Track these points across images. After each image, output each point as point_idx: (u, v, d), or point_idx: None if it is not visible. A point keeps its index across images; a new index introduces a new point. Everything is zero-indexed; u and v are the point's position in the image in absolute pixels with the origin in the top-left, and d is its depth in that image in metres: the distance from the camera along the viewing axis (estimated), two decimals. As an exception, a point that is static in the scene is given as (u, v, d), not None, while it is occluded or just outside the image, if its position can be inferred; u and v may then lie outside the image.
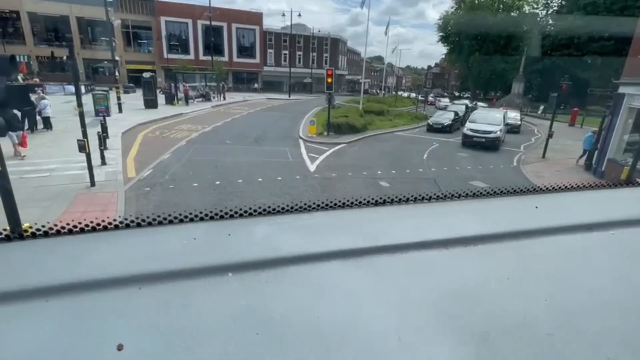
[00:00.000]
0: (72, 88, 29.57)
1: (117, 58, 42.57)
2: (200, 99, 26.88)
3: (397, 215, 0.82)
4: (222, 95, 29.30)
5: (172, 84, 23.73)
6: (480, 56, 49.75)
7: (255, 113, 23.12)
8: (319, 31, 51.19)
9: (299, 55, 51.02)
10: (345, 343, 0.48)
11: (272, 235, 0.71)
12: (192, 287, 0.55)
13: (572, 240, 0.74)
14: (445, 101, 38.24)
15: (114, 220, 0.68)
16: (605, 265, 0.69)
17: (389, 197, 0.85)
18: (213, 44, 45.70)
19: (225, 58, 47.04)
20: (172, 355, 0.45)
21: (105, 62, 41.86)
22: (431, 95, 52.64)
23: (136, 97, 22.31)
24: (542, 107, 32.55)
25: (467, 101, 39.18)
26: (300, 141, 14.41)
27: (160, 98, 23.39)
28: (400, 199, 0.85)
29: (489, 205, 0.90)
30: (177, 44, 45.47)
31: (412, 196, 0.86)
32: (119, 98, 17.85)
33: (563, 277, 0.64)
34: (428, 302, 0.56)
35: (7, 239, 0.64)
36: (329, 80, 15.24)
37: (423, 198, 0.86)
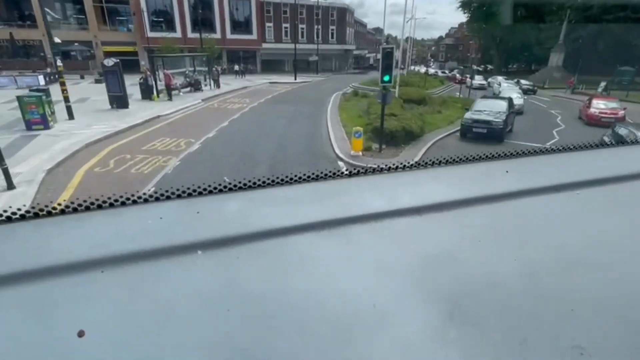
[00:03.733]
0: (29, 80, 23.92)
1: (90, 39, 36.58)
2: (188, 89, 21.23)
3: (370, 186, 0.82)
4: (216, 82, 23.50)
5: (149, 72, 18.01)
6: (509, 23, 43.36)
7: (260, 108, 17.59)
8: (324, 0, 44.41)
9: (302, 28, 44.54)
10: (319, 314, 0.48)
11: (244, 210, 0.69)
12: (158, 268, 0.53)
13: (541, 201, 0.76)
14: (478, 79, 32.24)
15: (72, 203, 0.64)
16: (571, 224, 0.71)
17: (362, 168, 0.85)
18: (202, 18, 39.23)
19: (218, 35, 40.64)
20: (137, 338, 0.44)
21: (76, 43, 35.81)
22: (454, 70, 46.58)
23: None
24: (603, 84, 26.84)
25: (497, 78, 33.61)
26: (342, 166, 9.13)
27: (136, 90, 17.83)
28: (374, 169, 0.85)
29: (461, 171, 0.91)
30: (160, 19, 38.96)
31: (386, 166, 0.86)
32: (66, 98, 12.29)
33: (531, 238, 0.66)
34: (402, 268, 0.57)
35: None
36: (388, 65, 9.70)
37: (397, 167, 0.87)
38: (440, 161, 0.91)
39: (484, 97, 15.56)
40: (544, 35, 41.76)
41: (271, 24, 44.10)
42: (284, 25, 44.85)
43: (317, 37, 45.39)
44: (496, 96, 16.27)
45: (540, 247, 0.64)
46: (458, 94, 26.10)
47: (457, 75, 35.61)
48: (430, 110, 17.03)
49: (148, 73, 17.86)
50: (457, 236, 0.65)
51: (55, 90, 12.96)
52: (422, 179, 0.87)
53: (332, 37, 48.53)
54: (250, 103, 18.71)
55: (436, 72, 51.75)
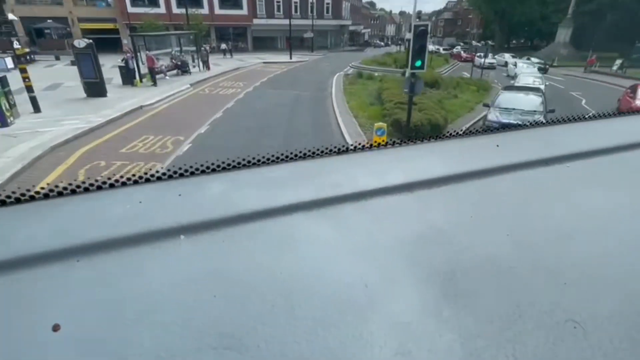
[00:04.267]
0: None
1: (65, 15, 33.55)
2: (175, 72, 19.18)
3: (360, 163, 0.80)
4: (205, 64, 21.37)
5: (130, 54, 15.94)
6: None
7: (256, 94, 15.75)
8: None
9: (295, 3, 41.66)
10: (310, 296, 0.47)
11: (229, 192, 0.67)
12: (139, 255, 0.51)
13: (531, 175, 0.76)
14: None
15: (42, 188, 0.61)
16: (561, 196, 0.71)
17: (352, 145, 0.84)
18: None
19: (205, 10, 37.75)
20: (117, 330, 0.42)
21: (50, 20, 32.82)
22: (457, 47, 44.43)
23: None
24: (618, 62, 25.31)
25: (504, 55, 31.64)
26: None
27: (118, 73, 15.83)
28: (363, 146, 0.85)
29: (451, 147, 0.90)
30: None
31: (375, 142, 0.86)
32: (28, 87, 10.36)
33: (523, 212, 0.66)
34: (393, 246, 0.56)
35: None
36: (421, 46, 8.06)
37: (387, 144, 0.86)
38: (430, 136, 0.91)
39: (508, 87, 12.27)
40: (551, 9, 39.68)
41: (262, -2, 41.14)
42: (276, -1, 41.91)
43: (312, 11, 42.59)
44: (523, 87, 12.44)
45: (533, 221, 0.64)
46: (465, 73, 24.37)
47: (463, 52, 33.63)
48: (445, 95, 15.40)
49: (129, 55, 15.76)
50: (448, 212, 0.64)
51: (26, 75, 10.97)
52: (412, 155, 0.86)
53: (327, 12, 45.71)
54: (245, 87, 16.83)
55: (437, 49, 49.54)
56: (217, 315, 0.44)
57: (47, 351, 0.40)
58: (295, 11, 41.59)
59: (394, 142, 0.87)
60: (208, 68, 21.58)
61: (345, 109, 12.84)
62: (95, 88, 12.93)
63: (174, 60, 19.30)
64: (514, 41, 51.48)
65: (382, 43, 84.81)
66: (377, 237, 0.58)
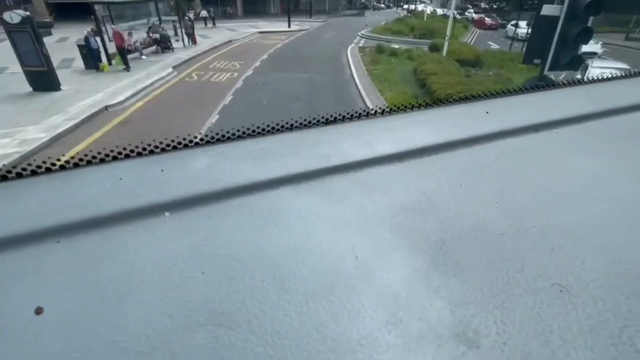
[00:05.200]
0: None
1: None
2: (154, 49, 15.51)
3: (348, 133, 0.79)
4: (190, 37, 17.53)
5: (92, 30, 12.23)
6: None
7: (258, 80, 12.40)
8: None
9: (289, -41, 36.52)
10: (300, 270, 0.47)
11: (214, 166, 0.66)
12: (122, 233, 0.50)
13: (520, 142, 0.76)
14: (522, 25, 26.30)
15: (14, 167, 0.60)
16: (550, 162, 0.71)
17: (339, 114, 0.82)
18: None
19: (187, -31, 32.66)
20: (101, 311, 0.41)
21: (2, -16, 27.77)
22: (470, 11, 40.05)
23: (53, 48, 11.08)
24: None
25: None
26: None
27: (77, 55, 12.22)
28: (352, 115, 0.82)
29: (441, 115, 0.89)
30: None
31: (364, 111, 0.84)
32: None
33: (512, 178, 0.66)
34: (383, 217, 0.56)
35: None
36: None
37: (376, 112, 0.85)
38: (420, 104, 0.89)
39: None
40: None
41: (252, -46, 35.90)
42: (267, -46, 36.64)
43: (309, -30, 37.53)
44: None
45: (521, 188, 0.64)
46: (492, 44, 20.88)
47: (486, 18, 29.33)
48: (493, 77, 12.23)
49: (90, 31, 12.08)
50: (438, 181, 0.64)
51: None
52: (401, 124, 0.84)
53: (326, -30, 40.55)
54: (243, 70, 13.39)
55: (444, 12, 44.98)
56: (205, 293, 0.43)
57: (30, 335, 0.39)
58: (290, -31, 36.56)
59: (383, 110, 0.85)
60: (194, 42, 17.77)
61: (382, 103, 9.69)
62: (41, 79, 9.52)
63: (152, 35, 15.52)
64: (527, 5, 47.03)
65: (383, 5, 78.81)
66: (367, 209, 0.57)
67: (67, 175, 0.62)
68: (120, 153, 0.66)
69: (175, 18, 18.04)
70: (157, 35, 15.64)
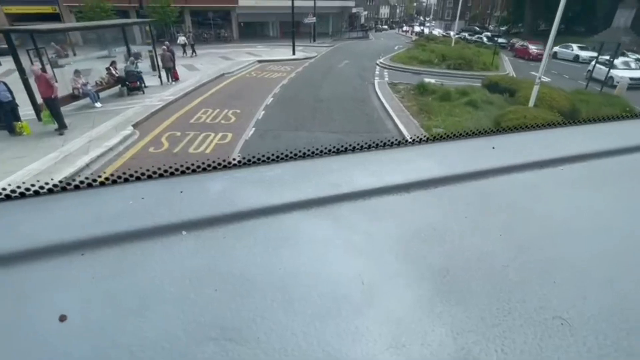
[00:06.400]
0: None
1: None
2: (120, 89, 11.26)
3: (358, 163, 0.81)
4: (169, 72, 13.26)
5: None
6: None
7: (261, 142, 8.20)
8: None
9: (290, -21, 33.21)
10: (308, 292, 0.49)
11: (229, 190, 0.69)
12: (142, 249, 0.53)
13: (526, 177, 0.78)
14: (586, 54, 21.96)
15: (46, 184, 0.63)
16: (554, 198, 0.73)
17: (350, 145, 0.85)
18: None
19: (176, -12, 29.04)
20: (121, 321, 0.44)
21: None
22: (488, 33, 36.80)
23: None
24: None
25: (571, 46, 24.17)
26: None
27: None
28: (362, 146, 0.85)
29: (448, 148, 0.91)
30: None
31: (373, 142, 0.86)
32: None
33: (516, 213, 0.67)
34: (390, 245, 0.57)
35: None
36: None
37: (385, 144, 0.87)
38: (427, 138, 0.91)
39: None
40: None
41: (249, -27, 32.47)
42: (266, -26, 33.26)
43: (311, -10, 34.24)
44: None
45: (525, 222, 0.65)
46: (535, 74, 17.03)
47: (533, 47, 24.41)
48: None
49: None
50: (444, 213, 0.65)
51: None
52: (409, 156, 0.86)
53: (330, -9, 37.39)
54: (240, 126, 9.09)
55: (461, 35, 41.89)
56: (218, 309, 0.45)
57: (53, 341, 0.41)
58: (290, -10, 33.20)
59: (392, 142, 0.87)
60: (175, 78, 13.55)
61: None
62: None
63: (114, 71, 11.27)
64: (541, 26, 44.18)
65: (386, 27, 76.62)
66: (374, 236, 0.58)
67: (94, 192, 0.65)
68: (143, 174, 0.69)
69: (151, 48, 13.76)
70: (125, 73, 11.37)
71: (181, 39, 21.02)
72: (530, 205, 0.69)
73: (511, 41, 24.41)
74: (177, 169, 0.71)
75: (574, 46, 23.47)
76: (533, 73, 19.79)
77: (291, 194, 0.66)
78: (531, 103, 9.21)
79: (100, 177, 0.67)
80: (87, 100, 9.95)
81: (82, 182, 0.65)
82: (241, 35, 33.71)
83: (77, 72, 9.69)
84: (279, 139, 8.44)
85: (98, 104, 10.05)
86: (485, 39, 33.57)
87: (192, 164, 0.72)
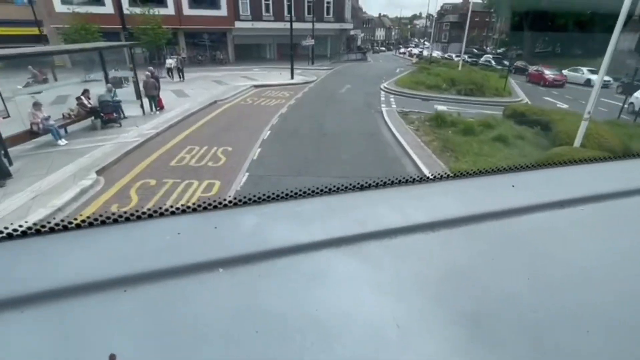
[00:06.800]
0: None
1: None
2: (93, 122, 9.72)
3: (382, 199, 0.82)
4: (153, 100, 11.75)
5: None
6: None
7: (257, 191, 6.46)
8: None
9: (288, 2, 32.55)
10: (345, 334, 0.49)
11: (260, 226, 0.71)
12: (182, 286, 0.53)
13: (547, 217, 0.77)
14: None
15: (88, 217, 0.65)
16: (578, 240, 0.72)
17: (373, 181, 0.86)
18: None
19: (170, 10, 28.13)
20: (167, 359, 0.44)
21: None
22: (489, 56, 36.13)
23: None
24: None
25: (581, 69, 23.08)
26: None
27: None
28: (385, 182, 0.87)
29: (468, 185, 0.92)
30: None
31: (395, 179, 0.88)
32: None
33: (542, 255, 0.67)
34: (420, 286, 0.58)
35: None
36: None
37: (407, 181, 0.89)
38: (448, 175, 0.93)
39: None
40: (609, 6, 32.09)
41: (246, -5, 31.78)
42: (264, -4, 32.61)
43: (312, 12, 33.58)
44: None
45: (552, 265, 0.64)
46: (550, 100, 15.73)
47: (549, 72, 22.69)
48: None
49: None
50: (470, 253, 0.66)
51: None
52: (431, 192, 0.88)
53: (329, 13, 36.81)
54: (232, 168, 7.51)
55: (462, 57, 41.35)
56: (260, 349, 0.46)
57: None
58: (287, 12, 32.44)
59: (413, 179, 0.89)
60: (159, 107, 12.06)
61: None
62: None
63: (86, 101, 9.74)
64: (538, 49, 43.89)
65: (384, 48, 76.96)
66: (403, 276, 0.59)
67: (132, 227, 0.66)
68: (177, 209, 0.70)
69: (132, 73, 12.28)
70: (100, 103, 9.84)
71: (169, 62, 19.51)
72: (554, 246, 0.69)
73: (515, 64, 23.08)
74: (210, 204, 0.72)
75: (584, 70, 22.48)
76: (547, 99, 18.68)
77: (320, 230, 0.67)
78: (577, 142, 7.75)
79: (137, 211, 0.67)
80: (49, 138, 8.37)
81: (120, 216, 0.66)
82: (237, 57, 32.73)
83: (36, 105, 8.13)
84: (278, 186, 6.84)
85: (62, 142, 8.47)
86: (493, 62, 32.48)
87: (225, 199, 0.74)
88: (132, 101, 11.50)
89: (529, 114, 10.78)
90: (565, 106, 16.64)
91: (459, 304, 0.54)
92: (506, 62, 24.14)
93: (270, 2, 32.99)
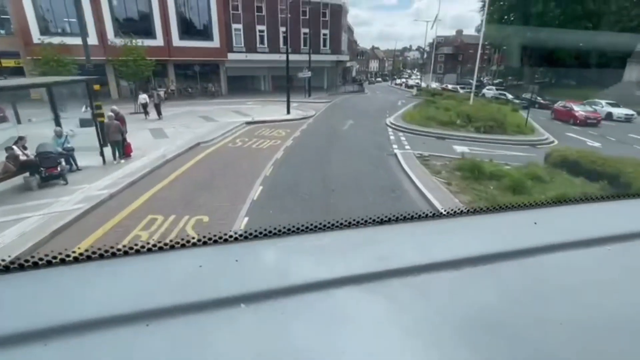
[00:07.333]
0: None
1: None
2: (28, 180, 7.34)
3: (403, 234, 0.81)
4: (116, 147, 9.44)
5: None
6: (555, 22, 32.82)
7: None
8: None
9: (283, 32, 31.43)
10: None
11: (281, 260, 0.71)
12: (205, 321, 0.52)
13: (572, 257, 0.75)
14: None
15: (111, 247, 0.65)
16: (608, 283, 0.69)
17: (393, 215, 0.84)
18: (129, 17, 25.36)
19: (158, 41, 26.63)
20: None
21: None
22: (490, 87, 35.02)
23: None
24: None
25: (600, 102, 21.47)
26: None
27: None
28: (405, 217, 0.85)
29: (488, 222, 0.91)
30: (64, 18, 24.41)
31: (415, 213, 0.86)
32: None
33: (572, 297, 0.65)
34: (447, 329, 0.56)
35: None
36: None
37: (427, 215, 0.87)
38: (467, 210, 0.90)
39: None
40: (609, 39, 31.42)
41: (240, 26, 30.59)
42: (258, 27, 31.47)
43: (305, 44, 32.41)
44: None
45: (584, 310, 0.61)
46: (574, 137, 13.80)
47: (579, 110, 19.46)
48: None
49: None
50: (497, 294, 0.64)
51: None
52: (452, 227, 0.85)
53: (325, 45, 35.79)
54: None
55: (455, 87, 40.41)
56: None
57: None
58: (283, 43, 31.23)
59: (433, 214, 0.87)
60: (126, 154, 9.76)
61: None
62: None
63: (19, 153, 7.41)
64: (537, 80, 43.28)
65: (380, 79, 77.11)
66: (429, 317, 0.57)
67: (154, 258, 0.65)
68: (199, 240, 0.70)
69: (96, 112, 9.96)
70: (38, 153, 7.52)
71: (142, 98, 16.76)
72: (585, 288, 0.66)
73: (531, 97, 20.78)
74: (230, 236, 0.72)
75: (603, 102, 20.87)
76: (571, 135, 16.79)
77: (341, 266, 0.65)
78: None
79: (160, 242, 0.67)
80: (-50, 207, 5.98)
81: (142, 246, 0.65)
82: (230, 89, 31.12)
83: None
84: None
85: (-30, 213, 6.05)
86: (509, 95, 30.48)
87: (245, 231, 0.73)
88: (95, 147, 9.20)
89: (585, 163, 8.65)
90: (596, 144, 14.72)
91: (488, 348, 0.51)
92: (527, 96, 21.91)
93: (265, 33, 31.87)
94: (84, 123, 11.39)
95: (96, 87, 10.74)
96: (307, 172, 9.49)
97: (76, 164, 8.52)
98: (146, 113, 16.65)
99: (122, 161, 9.40)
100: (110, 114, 9.17)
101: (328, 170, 9.65)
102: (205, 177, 8.77)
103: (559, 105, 21.54)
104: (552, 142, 14.82)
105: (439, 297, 0.61)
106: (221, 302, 0.55)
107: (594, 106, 21.00)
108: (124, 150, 9.65)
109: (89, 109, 10.46)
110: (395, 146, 12.47)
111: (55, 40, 19.17)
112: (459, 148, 12.67)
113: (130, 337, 0.48)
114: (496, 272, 0.68)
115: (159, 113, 16.68)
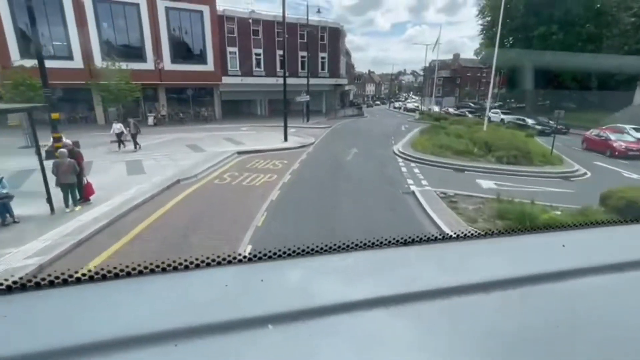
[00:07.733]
0: None
1: None
2: None
3: (428, 256, 0.80)
4: (70, 190, 7.54)
5: None
6: (557, 46, 32.09)
7: None
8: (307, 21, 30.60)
9: (280, 55, 30.30)
10: None
11: (307, 280, 0.70)
12: (233, 342, 0.52)
13: (604, 282, 0.72)
14: None
15: (138, 265, 0.65)
16: None
17: (417, 236, 0.83)
18: (120, 39, 24.07)
19: (149, 64, 25.22)
20: None
21: None
22: (495, 109, 33.81)
23: None
24: None
25: (626, 128, 20.10)
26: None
27: None
28: (429, 238, 0.84)
29: (516, 244, 0.89)
30: (47, 42, 23.03)
31: (440, 235, 0.85)
32: None
33: (608, 323, 0.62)
34: (476, 351, 0.54)
35: (9, 290, 0.58)
36: None
37: (451, 237, 0.85)
38: (493, 232, 0.89)
39: None
40: (615, 63, 30.58)
41: (235, 49, 29.45)
42: (254, 50, 30.35)
43: (302, 67, 31.28)
44: None
45: (619, 336, 0.59)
46: (603, 165, 12.11)
47: (617, 139, 16.71)
48: None
49: None
50: (528, 318, 0.62)
51: None
52: (478, 250, 0.84)
53: (323, 69, 34.74)
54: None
55: (463, 112, 39.30)
56: None
57: None
58: (280, 67, 30.00)
59: (457, 235, 0.85)
60: (85, 197, 7.84)
61: None
62: None
63: None
64: (539, 102, 42.40)
65: (378, 102, 76.79)
66: (459, 343, 0.55)
67: (180, 277, 0.65)
68: (224, 259, 0.69)
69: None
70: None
71: (116, 127, 14.67)
72: (619, 318, 0.63)
73: (557, 123, 17.92)
74: (255, 255, 0.71)
75: (628, 127, 19.30)
76: (600, 164, 15.21)
77: (368, 287, 0.64)
78: None
79: (186, 260, 0.66)
80: None
81: (169, 265, 0.65)
82: (225, 114, 29.60)
83: None
84: None
85: None
86: (529, 121, 27.51)
87: (270, 251, 0.72)
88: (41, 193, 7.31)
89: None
90: (634, 176, 13.03)
91: None
92: (551, 122, 19.06)
93: (262, 57, 30.76)
94: (48, 155, 9.58)
95: (54, 115, 8.95)
96: (309, 221, 7.60)
97: (11, 215, 6.60)
98: (121, 143, 14.72)
99: (77, 208, 7.47)
100: (62, 150, 7.30)
101: (334, 217, 7.76)
102: (178, 230, 6.84)
103: (591, 133, 18.79)
104: (585, 173, 13.10)
105: (471, 322, 0.59)
106: (248, 322, 0.54)
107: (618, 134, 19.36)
108: (82, 194, 7.74)
109: (33, 142, 8.64)
110: (410, 181, 10.67)
111: (28, 63, 17.57)
112: (484, 183, 10.90)
113: (161, 357, 0.47)
114: (526, 296, 0.66)
115: (135, 144, 14.69)
